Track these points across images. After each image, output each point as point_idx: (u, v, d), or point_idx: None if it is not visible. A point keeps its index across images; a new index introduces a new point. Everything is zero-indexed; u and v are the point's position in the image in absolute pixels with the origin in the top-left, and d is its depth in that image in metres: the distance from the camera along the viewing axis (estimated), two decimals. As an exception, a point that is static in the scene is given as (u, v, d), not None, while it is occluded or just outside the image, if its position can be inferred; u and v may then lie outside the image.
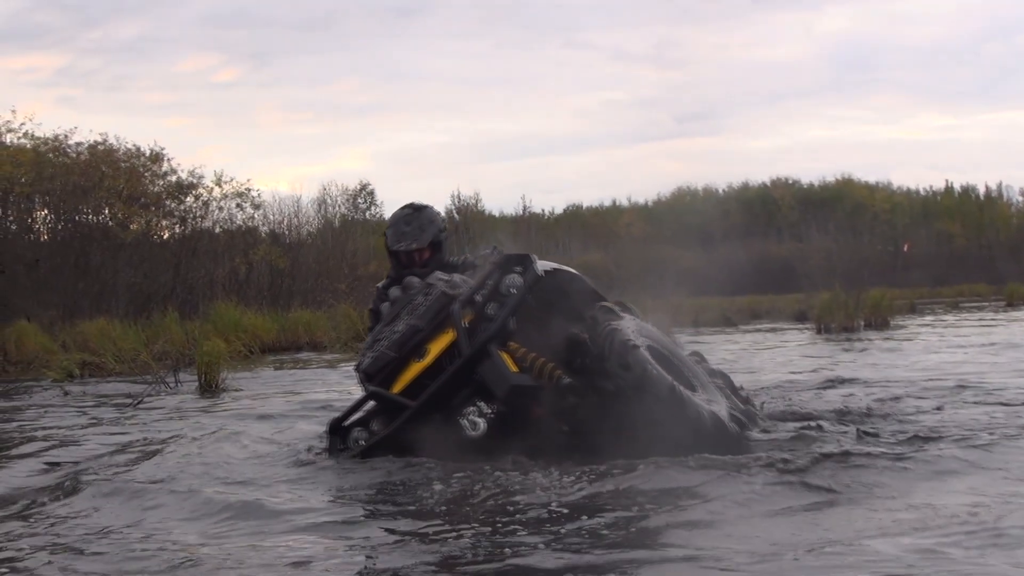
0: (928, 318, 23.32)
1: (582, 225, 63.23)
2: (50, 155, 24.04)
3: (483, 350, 5.05)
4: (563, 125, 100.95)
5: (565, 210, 69.84)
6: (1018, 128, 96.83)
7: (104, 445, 6.59)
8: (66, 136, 24.62)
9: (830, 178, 71.46)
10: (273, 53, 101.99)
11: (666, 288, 21.69)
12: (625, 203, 68.76)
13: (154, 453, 5.93)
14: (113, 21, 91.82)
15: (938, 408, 6.71)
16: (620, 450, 4.85)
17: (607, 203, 70.28)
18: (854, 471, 4.32)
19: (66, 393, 10.63)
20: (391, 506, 4.28)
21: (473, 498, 4.28)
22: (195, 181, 26.56)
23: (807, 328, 20.21)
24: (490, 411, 5.00)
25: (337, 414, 5.56)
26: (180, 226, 26.58)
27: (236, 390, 10.48)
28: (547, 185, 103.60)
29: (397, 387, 5.28)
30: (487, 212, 61.32)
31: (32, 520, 4.29)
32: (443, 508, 4.16)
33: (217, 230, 27.38)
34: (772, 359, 12.62)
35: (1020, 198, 71.76)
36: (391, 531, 3.84)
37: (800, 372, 10.33)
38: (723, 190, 70.32)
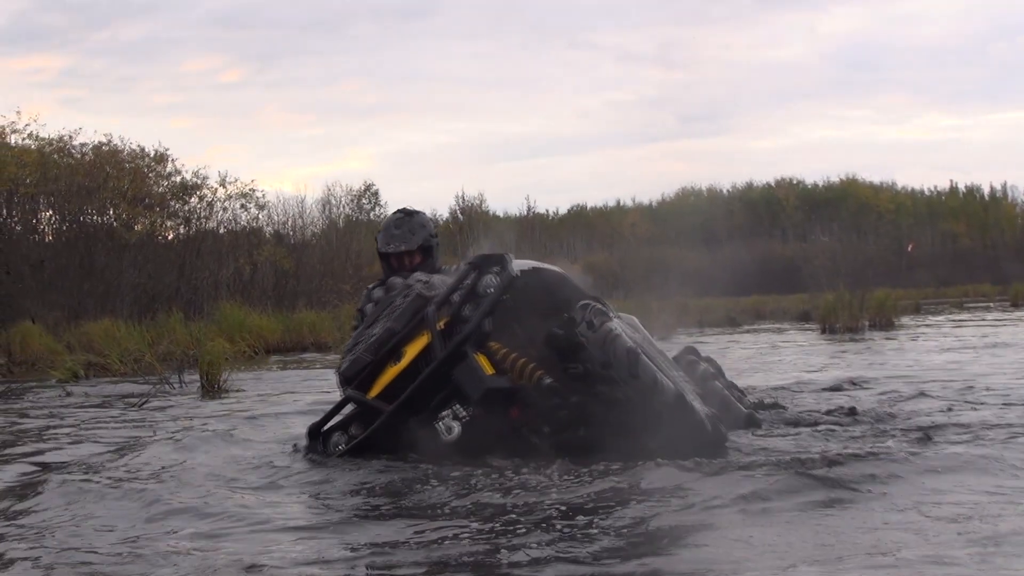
0: (933, 318, 23.30)
1: (586, 225, 63.28)
2: (55, 156, 24.05)
3: (457, 352, 4.99)
4: (568, 126, 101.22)
5: (569, 210, 69.96)
6: (1023, 128, 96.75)
7: (93, 445, 6.58)
8: (71, 137, 24.67)
9: (834, 178, 71.54)
10: (278, 54, 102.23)
11: (671, 288, 21.72)
12: (629, 203, 68.91)
13: (136, 454, 5.92)
14: (118, 22, 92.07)
15: (946, 409, 6.68)
16: (616, 451, 4.84)
17: (611, 203, 70.45)
18: (859, 472, 4.30)
19: (68, 394, 10.63)
20: (377, 508, 4.24)
21: (464, 499, 4.25)
22: (199, 182, 26.61)
23: (811, 328, 20.20)
24: (465, 415, 4.93)
25: (317, 419, 5.53)
26: (184, 227, 26.60)
27: (238, 391, 10.48)
28: (551, 185, 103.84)
29: (374, 390, 5.24)
30: (491, 212, 61.32)
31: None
32: (433, 509, 4.10)
33: (221, 231, 27.41)
34: (776, 359, 12.61)
35: (1025, 198, 71.71)
36: (377, 533, 3.80)
37: (804, 372, 10.31)
38: (727, 190, 70.47)
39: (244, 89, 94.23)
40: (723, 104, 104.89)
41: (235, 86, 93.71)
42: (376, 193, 39.44)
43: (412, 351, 5.21)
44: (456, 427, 4.95)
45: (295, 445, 5.73)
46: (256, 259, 26.82)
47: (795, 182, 71.32)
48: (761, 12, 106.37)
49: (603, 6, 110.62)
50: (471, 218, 57.58)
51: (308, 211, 30.59)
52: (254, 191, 27.55)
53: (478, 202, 59.85)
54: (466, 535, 3.67)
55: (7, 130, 23.10)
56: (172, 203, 26.29)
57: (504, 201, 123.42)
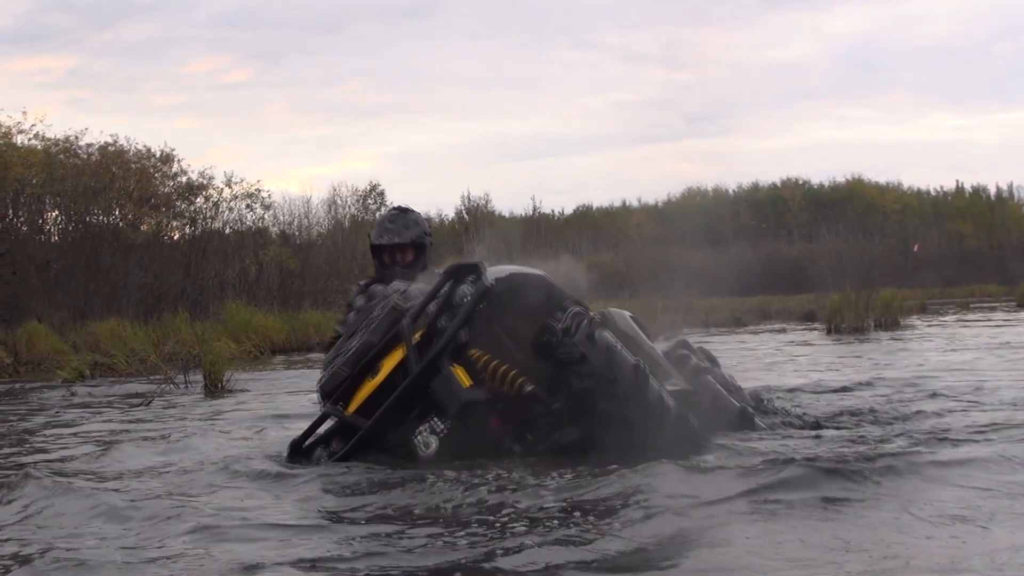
0: (939, 319, 23.27)
1: (592, 225, 63.19)
2: (61, 156, 24.08)
3: (432, 366, 4.93)
4: (573, 126, 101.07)
5: (575, 211, 69.88)
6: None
7: (90, 445, 6.59)
8: (77, 137, 24.70)
9: (840, 178, 71.48)
10: (283, 54, 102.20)
11: (676, 288, 21.71)
12: (635, 204, 68.83)
13: (129, 455, 5.95)
14: (123, 22, 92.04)
15: (952, 409, 6.66)
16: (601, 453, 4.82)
17: (617, 204, 70.37)
18: (864, 473, 4.28)
19: (72, 394, 10.64)
20: (370, 508, 4.22)
21: (462, 499, 4.23)
22: (205, 182, 26.64)
23: (817, 329, 20.18)
24: (443, 429, 4.87)
25: (297, 434, 5.51)
26: (190, 227, 26.63)
27: (242, 391, 10.50)
28: (557, 186, 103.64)
29: (353, 405, 5.20)
30: (497, 213, 61.31)
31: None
32: (431, 510, 4.07)
33: (227, 231, 27.44)
34: (781, 359, 12.60)
35: (1031, 198, 71.60)
36: (370, 534, 3.78)
37: (809, 372, 10.31)
38: (733, 190, 70.36)
39: (249, 89, 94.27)
40: (728, 104, 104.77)
41: (240, 86, 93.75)
42: (382, 193, 39.43)
43: (389, 365, 5.16)
44: (434, 442, 4.89)
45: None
46: (262, 259, 26.84)
47: (801, 182, 71.29)
48: (765, 12, 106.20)
49: (607, 6, 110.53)
50: (476, 218, 57.59)
51: (314, 211, 30.63)
52: (260, 191, 27.60)
53: (483, 202, 59.89)
54: (465, 536, 3.65)
55: (13, 130, 23.15)
56: (178, 203, 26.33)
57: (509, 201, 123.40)
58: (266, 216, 28.54)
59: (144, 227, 24.80)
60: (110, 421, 8.09)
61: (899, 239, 57.28)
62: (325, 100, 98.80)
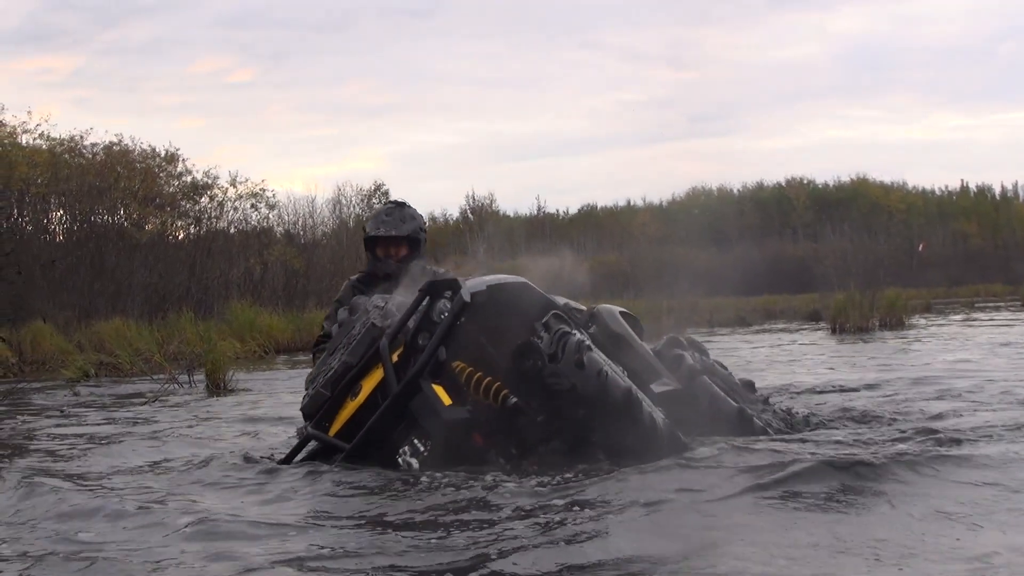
0: (944, 318, 23.24)
1: (597, 225, 63.19)
2: (65, 156, 24.11)
3: (412, 386, 4.86)
4: (577, 125, 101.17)
5: (580, 210, 69.90)
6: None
7: (86, 445, 6.59)
8: (82, 137, 24.74)
9: (845, 178, 71.47)
10: (288, 54, 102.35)
11: (681, 288, 21.68)
12: (640, 203, 68.82)
13: (122, 454, 5.99)
14: (128, 22, 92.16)
15: (958, 409, 6.64)
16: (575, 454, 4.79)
17: (622, 203, 70.36)
18: (867, 473, 4.27)
19: (75, 394, 10.65)
20: (359, 511, 4.18)
21: (461, 500, 4.20)
22: (210, 181, 26.67)
23: (822, 328, 20.16)
24: (424, 449, 4.78)
25: (281, 455, 5.49)
26: (195, 226, 26.67)
27: (244, 390, 10.51)
28: (561, 185, 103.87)
29: (335, 426, 5.15)
30: (502, 212, 61.37)
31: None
32: (426, 511, 4.04)
33: (232, 230, 27.48)
34: (786, 359, 12.59)
35: (1036, 198, 71.51)
36: (356, 537, 3.75)
37: (813, 372, 10.30)
38: (738, 190, 70.37)
39: (253, 89, 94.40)
40: (732, 104, 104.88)
41: (244, 86, 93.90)
42: (386, 193, 39.38)
43: (368, 385, 5.10)
44: (415, 463, 4.82)
45: (272, 454, 5.69)
46: (266, 259, 26.86)
47: (805, 182, 71.24)
48: (770, 12, 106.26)
49: (611, 6, 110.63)
50: (481, 218, 57.64)
51: (318, 211, 30.70)
52: (264, 191, 27.63)
53: (488, 202, 59.95)
54: (464, 536, 3.62)
55: (18, 130, 23.18)
56: (183, 203, 26.35)
57: (514, 201, 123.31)
58: (271, 216, 28.61)
59: (149, 227, 24.82)
60: (110, 421, 8.09)
61: (904, 239, 57.26)
62: (329, 100, 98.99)
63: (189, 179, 26.47)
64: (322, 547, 3.57)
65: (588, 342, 4.95)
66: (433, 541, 3.59)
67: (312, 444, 5.33)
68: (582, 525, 3.68)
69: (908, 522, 3.65)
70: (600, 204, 71.22)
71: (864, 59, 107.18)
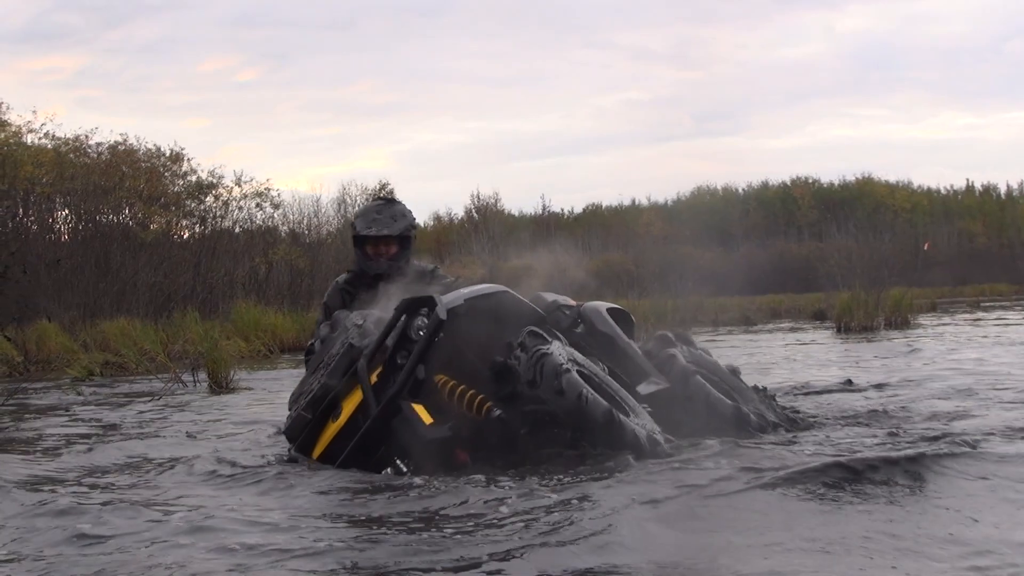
0: (949, 317, 23.21)
1: (602, 224, 63.15)
2: (71, 155, 24.14)
3: (391, 407, 4.85)
4: (582, 125, 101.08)
5: (585, 209, 69.91)
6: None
7: (82, 444, 6.60)
8: (87, 136, 24.76)
9: (850, 177, 71.41)
10: (293, 53, 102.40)
11: (686, 287, 21.66)
12: (645, 202, 68.86)
13: (114, 454, 6.02)
14: (133, 22, 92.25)
15: (965, 408, 6.62)
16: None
17: (627, 202, 70.33)
18: (868, 474, 4.26)
19: (79, 393, 10.66)
20: (354, 512, 4.17)
21: (458, 502, 4.18)
22: (215, 181, 26.68)
23: (827, 327, 20.15)
24: (408, 470, 4.75)
25: (276, 456, 5.48)
26: (200, 226, 26.67)
27: (247, 389, 10.52)
28: (567, 185, 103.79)
29: (318, 448, 5.15)
30: (507, 212, 61.37)
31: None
32: (414, 514, 4.04)
33: (237, 230, 27.47)
34: (790, 358, 12.57)
35: (1042, 197, 71.43)
36: (350, 537, 3.73)
37: (818, 371, 10.29)
38: (743, 189, 70.34)
39: (259, 89, 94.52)
40: (738, 103, 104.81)
41: (250, 85, 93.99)
42: (392, 192, 39.37)
43: (349, 407, 5.08)
44: None
45: (265, 457, 5.69)
46: (271, 258, 26.86)
47: (811, 181, 71.19)
48: (777, 11, 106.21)
49: (618, 5, 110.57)
50: (486, 217, 57.65)
51: (323, 210, 30.69)
52: (269, 190, 27.62)
53: (493, 201, 59.94)
54: (462, 537, 3.61)
55: (24, 129, 23.22)
56: (188, 202, 26.36)
57: (519, 200, 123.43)
58: (276, 215, 28.60)
59: (154, 226, 24.83)
60: (112, 420, 8.11)
61: (909, 238, 57.19)
62: (335, 99, 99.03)
63: (194, 179, 26.51)
64: (319, 547, 3.57)
65: (566, 364, 4.86)
66: (431, 542, 3.58)
67: None
68: (577, 526, 3.66)
69: (909, 520, 3.65)
70: (605, 203, 71.27)
71: (870, 58, 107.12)
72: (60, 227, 24.09)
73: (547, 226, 59.81)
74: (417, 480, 4.58)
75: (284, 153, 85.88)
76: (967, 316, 23.60)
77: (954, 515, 3.71)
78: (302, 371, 6.28)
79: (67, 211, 24.00)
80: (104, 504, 4.37)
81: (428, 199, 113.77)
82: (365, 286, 6.40)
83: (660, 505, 3.89)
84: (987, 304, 33.52)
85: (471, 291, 5.30)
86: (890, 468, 4.27)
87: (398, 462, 4.80)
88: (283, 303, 24.39)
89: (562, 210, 68.21)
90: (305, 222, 29.93)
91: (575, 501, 4.04)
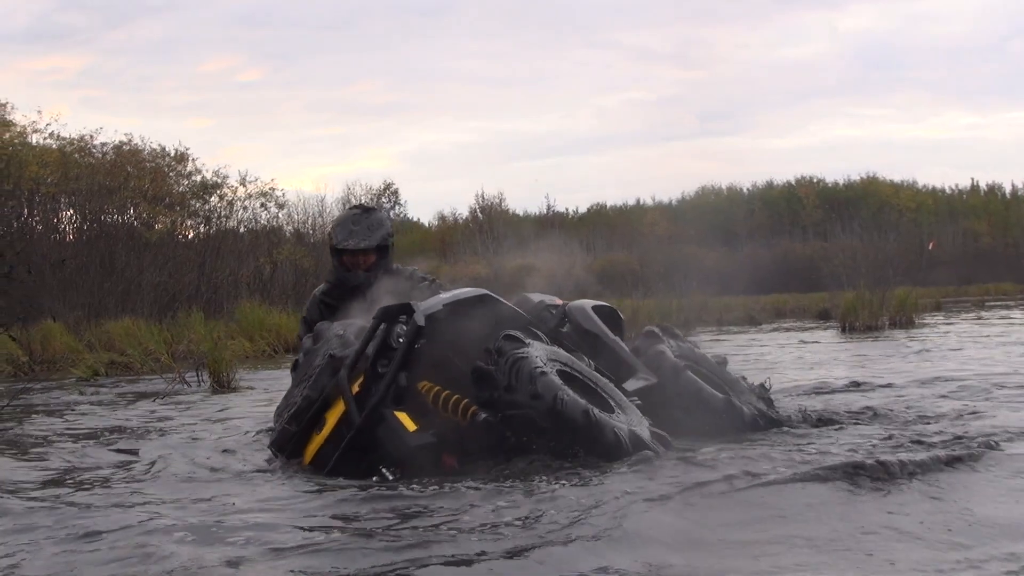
0: (954, 317, 23.18)
1: (606, 224, 63.08)
2: (75, 155, 24.16)
3: (374, 416, 4.84)
4: (586, 125, 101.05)
5: (589, 209, 69.87)
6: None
7: (78, 444, 6.62)
8: (91, 136, 24.78)
9: (855, 177, 71.37)
10: (296, 53, 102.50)
11: (690, 287, 21.62)
12: (649, 202, 68.83)
13: (99, 451, 6.04)
14: (136, 22, 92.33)
15: (971, 408, 6.61)
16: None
17: (631, 202, 70.32)
18: (869, 473, 4.26)
19: (81, 392, 10.68)
20: (348, 513, 4.16)
21: (458, 503, 4.15)
22: (219, 181, 26.69)
23: (831, 327, 20.13)
24: (394, 478, 4.73)
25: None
26: (205, 226, 26.70)
27: (249, 388, 10.55)
28: (571, 184, 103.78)
29: (305, 460, 5.14)
30: (511, 211, 61.33)
31: None
32: (409, 515, 4.02)
33: (241, 230, 27.50)
34: (794, 357, 12.56)
35: (1047, 196, 71.33)
36: (345, 538, 3.71)
37: (822, 371, 10.28)
38: (747, 189, 70.31)
39: (262, 89, 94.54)
40: (742, 103, 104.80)
41: (253, 85, 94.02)
42: (396, 192, 39.52)
43: (333, 417, 5.08)
44: None
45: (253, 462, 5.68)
46: (276, 258, 26.87)
47: (815, 181, 71.14)
48: (779, 11, 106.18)
49: (621, 5, 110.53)
50: (491, 217, 57.62)
51: (328, 210, 30.67)
52: (274, 190, 27.64)
53: (497, 201, 59.91)
54: (461, 536, 3.60)
55: (28, 130, 23.25)
56: (192, 202, 26.38)
57: (523, 200, 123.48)
58: (280, 215, 28.62)
59: (158, 226, 24.85)
60: (113, 419, 8.13)
61: (914, 238, 57.06)
62: (338, 99, 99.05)
63: (199, 178, 26.53)
64: (317, 547, 3.56)
65: (543, 366, 4.84)
66: (428, 542, 3.56)
67: None
68: (576, 525, 3.66)
69: (912, 517, 3.65)
70: (609, 203, 71.23)
71: (874, 57, 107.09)
72: (65, 227, 24.13)
73: (551, 226, 59.78)
74: (411, 483, 4.56)
75: (287, 153, 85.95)
76: (972, 315, 23.57)
77: (956, 511, 3.71)
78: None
79: (72, 211, 24.04)
80: (103, 504, 4.38)
81: (431, 199, 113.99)
82: (345, 296, 6.35)
83: (660, 505, 3.89)
84: (992, 304, 33.47)
85: (451, 296, 5.30)
86: (892, 467, 4.26)
87: (384, 471, 4.79)
88: (287, 303, 24.37)
89: (566, 210, 68.21)
90: (309, 222, 29.98)
91: (572, 500, 4.03)
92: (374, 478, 4.77)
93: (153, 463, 5.55)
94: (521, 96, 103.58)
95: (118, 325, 17.35)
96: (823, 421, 6.15)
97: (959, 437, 5.26)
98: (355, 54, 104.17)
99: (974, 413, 6.33)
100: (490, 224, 55.78)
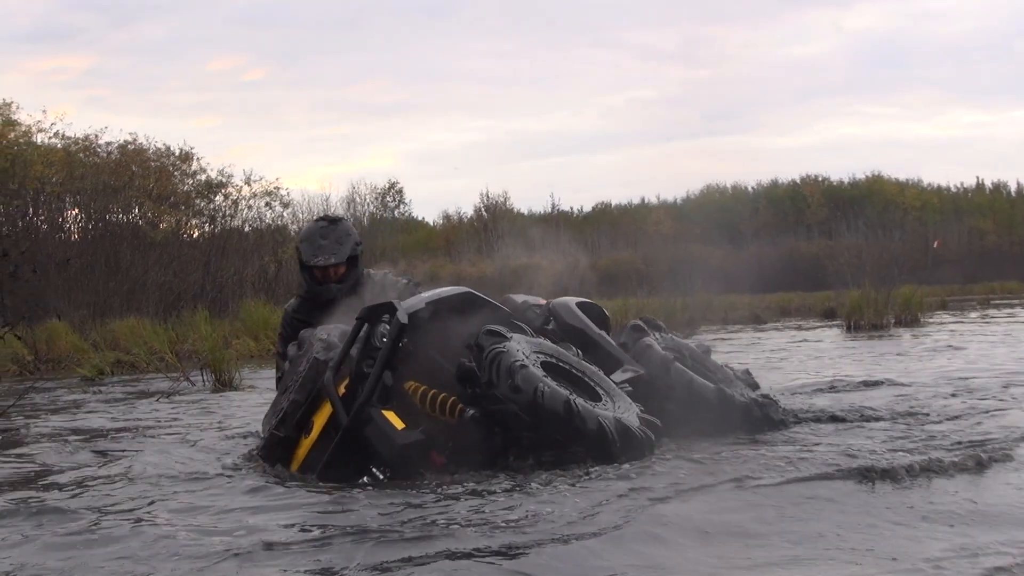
0: (959, 315, 23.17)
1: (611, 223, 63.07)
2: (80, 155, 24.17)
3: (361, 416, 4.83)
4: (591, 123, 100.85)
5: (594, 208, 69.84)
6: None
7: (76, 444, 6.64)
8: (96, 136, 24.77)
9: (860, 175, 71.23)
10: (301, 52, 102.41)
11: (695, 286, 21.62)
12: (654, 201, 68.73)
13: (92, 451, 6.06)
14: (141, 21, 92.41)
15: (977, 407, 6.61)
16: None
17: (636, 201, 70.24)
18: (869, 473, 4.26)
19: (84, 392, 10.70)
20: (342, 513, 4.15)
21: (457, 504, 4.15)
22: (224, 180, 26.68)
23: (836, 325, 20.13)
24: (384, 477, 4.74)
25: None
26: (210, 225, 26.70)
27: (250, 387, 10.58)
28: (575, 184, 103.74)
29: (294, 465, 5.14)
30: (516, 210, 61.33)
31: None
32: (404, 515, 4.00)
33: (246, 229, 27.48)
34: (798, 356, 12.56)
35: (1053, 195, 71.23)
36: (339, 538, 3.70)
37: (826, 370, 10.27)
38: (752, 188, 70.26)
39: (267, 88, 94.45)
40: (747, 102, 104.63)
41: (258, 85, 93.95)
42: (401, 191, 39.54)
43: (320, 421, 5.09)
44: None
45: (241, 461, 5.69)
46: (281, 257, 26.85)
47: (820, 179, 71.09)
48: (785, 9, 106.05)
49: (625, 4, 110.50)
50: (496, 216, 57.64)
51: (333, 209, 30.67)
52: (279, 189, 27.63)
53: (502, 200, 59.93)
54: (458, 536, 3.60)
55: (33, 129, 23.25)
56: (197, 202, 26.39)
57: (528, 199, 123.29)
58: (285, 214, 28.61)
59: (163, 225, 24.86)
60: (115, 419, 8.16)
61: (919, 236, 57.06)
62: (343, 98, 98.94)
63: (203, 178, 26.52)
64: (315, 546, 3.57)
65: (523, 359, 4.84)
66: (425, 540, 3.56)
67: None
68: (573, 525, 3.66)
69: (908, 514, 3.64)
70: (614, 202, 71.17)
71: (879, 56, 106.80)
72: (70, 226, 24.13)
73: (556, 225, 59.79)
74: (404, 483, 4.57)
75: (292, 152, 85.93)
76: (977, 314, 23.55)
77: (959, 508, 3.70)
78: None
79: (77, 210, 24.04)
80: (103, 504, 4.39)
81: (436, 198, 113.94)
82: (318, 309, 6.34)
83: (660, 504, 3.89)
84: (997, 302, 33.44)
85: (432, 294, 5.32)
86: (894, 464, 4.27)
87: (374, 470, 4.79)
88: (292, 302, 24.38)
89: (571, 208, 68.21)
90: (315, 221, 29.94)
91: (569, 499, 4.04)
92: (365, 478, 4.77)
93: (153, 463, 5.56)
94: (526, 95, 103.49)
95: (123, 324, 17.37)
96: (826, 419, 6.15)
97: (964, 435, 5.26)
98: (361, 53, 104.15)
99: (980, 412, 6.33)
100: (495, 223, 55.81)
